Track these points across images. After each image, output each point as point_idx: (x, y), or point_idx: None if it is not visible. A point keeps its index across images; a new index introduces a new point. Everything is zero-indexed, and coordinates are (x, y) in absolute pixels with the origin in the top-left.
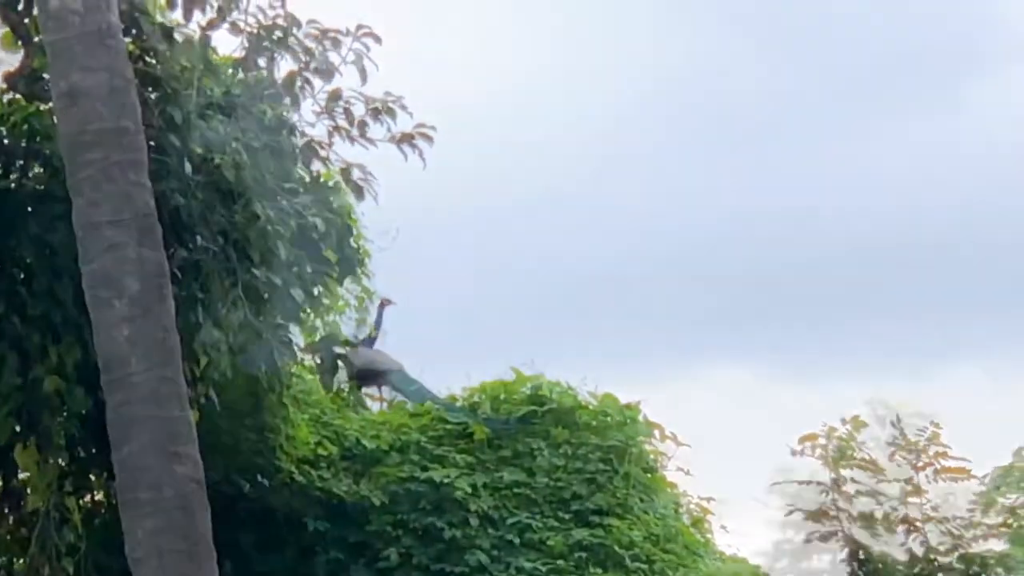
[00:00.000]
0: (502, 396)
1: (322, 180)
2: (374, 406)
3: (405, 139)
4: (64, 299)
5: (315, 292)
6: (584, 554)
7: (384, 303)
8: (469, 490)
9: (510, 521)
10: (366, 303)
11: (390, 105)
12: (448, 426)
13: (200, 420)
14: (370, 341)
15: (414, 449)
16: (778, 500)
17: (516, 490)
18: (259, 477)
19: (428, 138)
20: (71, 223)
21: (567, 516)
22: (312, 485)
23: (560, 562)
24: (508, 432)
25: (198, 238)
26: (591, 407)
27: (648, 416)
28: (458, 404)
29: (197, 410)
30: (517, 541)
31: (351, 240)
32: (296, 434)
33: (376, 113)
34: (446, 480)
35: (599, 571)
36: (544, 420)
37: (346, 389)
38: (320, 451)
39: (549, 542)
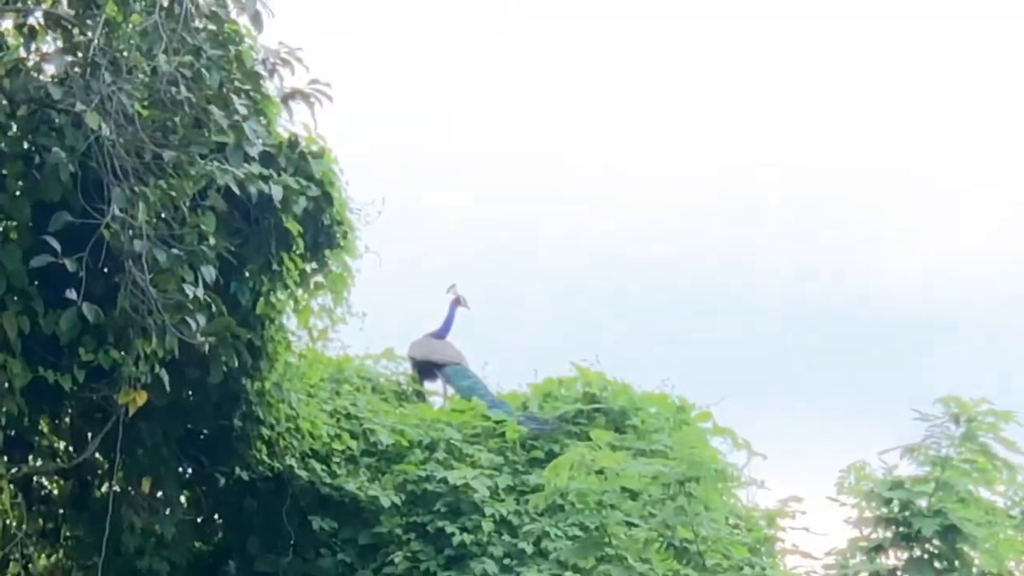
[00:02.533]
0: (554, 394)
1: (302, 145)
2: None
3: (297, 95)
4: (10, 266)
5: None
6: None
7: (458, 300)
8: (487, 493)
9: (526, 528)
10: (348, 282)
11: (283, 56)
12: (486, 424)
13: (149, 400)
14: (440, 333)
15: (443, 447)
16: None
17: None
18: (247, 470)
19: (324, 95)
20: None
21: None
22: (320, 481)
23: (569, 574)
24: (546, 432)
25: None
26: (644, 409)
27: (718, 423)
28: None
29: (143, 389)
30: (531, 550)
31: (331, 212)
32: (303, 425)
33: (269, 66)
34: (461, 481)
35: None
36: (593, 420)
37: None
38: (336, 445)
39: (560, 556)
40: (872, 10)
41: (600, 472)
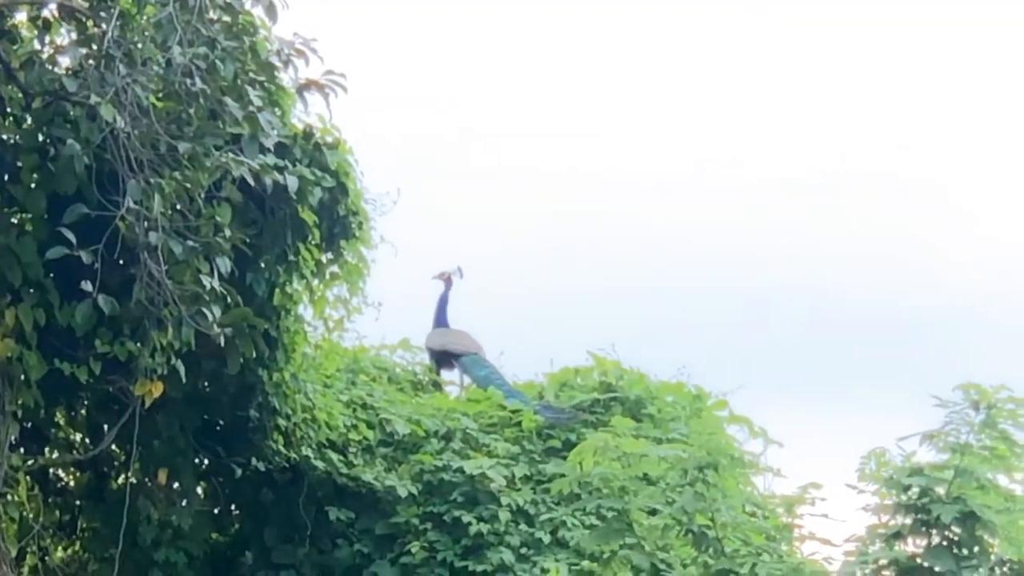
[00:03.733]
0: (571, 383)
1: (316, 136)
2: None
3: (312, 86)
4: (25, 258)
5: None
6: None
7: (446, 278)
8: (503, 483)
9: (544, 517)
10: (364, 272)
11: (298, 48)
12: (502, 413)
13: (165, 392)
14: (440, 321)
15: (460, 436)
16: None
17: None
18: (263, 461)
19: (339, 85)
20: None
21: (610, 514)
22: (336, 472)
23: (586, 563)
24: (563, 421)
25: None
26: (660, 398)
27: (735, 411)
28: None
29: (159, 381)
30: (548, 539)
31: (346, 203)
32: (320, 416)
33: (283, 57)
34: (477, 471)
35: (629, 573)
36: (610, 410)
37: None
38: (353, 436)
39: (581, 542)
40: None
41: (621, 458)
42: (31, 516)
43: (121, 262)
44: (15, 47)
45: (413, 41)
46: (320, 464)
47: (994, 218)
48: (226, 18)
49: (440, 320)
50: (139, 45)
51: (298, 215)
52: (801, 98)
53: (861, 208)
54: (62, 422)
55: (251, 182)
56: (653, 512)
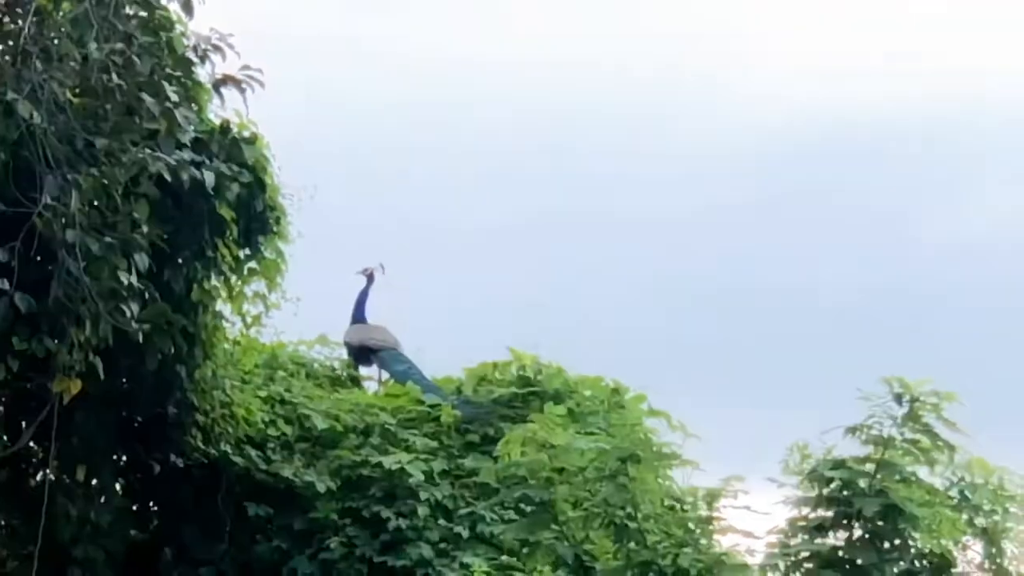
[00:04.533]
0: (489, 377)
1: (233, 131)
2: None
3: (228, 81)
4: None
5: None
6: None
7: (369, 273)
8: (422, 477)
9: (462, 512)
10: (282, 268)
11: (215, 43)
12: (421, 408)
13: (83, 389)
14: (358, 316)
15: (378, 432)
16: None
17: (476, 479)
18: (182, 457)
19: (256, 80)
20: None
21: (529, 508)
22: (255, 468)
23: (505, 557)
24: (481, 416)
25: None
26: (579, 392)
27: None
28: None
29: (78, 377)
30: (467, 534)
31: (264, 198)
32: (238, 412)
33: (200, 52)
34: (396, 466)
35: (548, 569)
36: (528, 404)
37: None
38: (271, 431)
39: (501, 536)
40: None
41: (548, 448)
42: None
43: (38, 259)
44: None
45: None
46: (239, 460)
47: None
48: (143, 13)
49: (359, 315)
50: (56, 41)
51: (216, 211)
52: None
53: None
54: None
55: (168, 178)
56: (576, 504)
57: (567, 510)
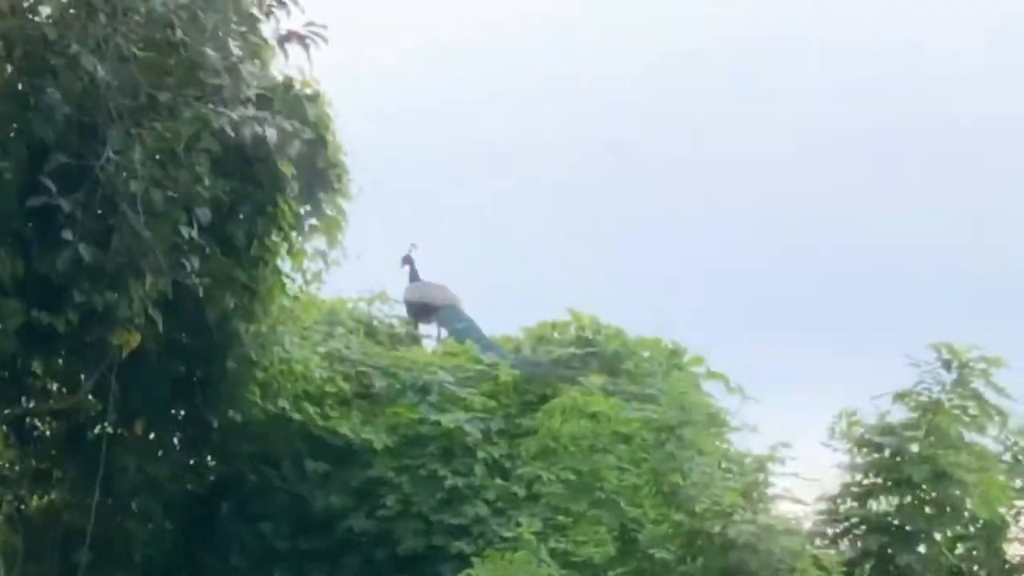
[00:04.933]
0: (547, 337)
1: (296, 88)
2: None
3: (292, 37)
4: (5, 207)
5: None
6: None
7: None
8: (479, 436)
9: (519, 471)
10: (342, 225)
11: None
12: (479, 367)
13: (142, 342)
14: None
15: (436, 390)
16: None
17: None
18: (241, 412)
19: (320, 37)
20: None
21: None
22: (313, 424)
23: (561, 518)
24: (539, 375)
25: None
26: (637, 353)
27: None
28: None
29: (137, 331)
30: (523, 493)
31: (325, 155)
32: (296, 368)
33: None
34: (453, 424)
35: (601, 530)
36: (587, 364)
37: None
38: (329, 388)
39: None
40: None
41: (593, 416)
42: (6, 465)
43: (100, 212)
44: None
45: None
46: (297, 416)
47: None
48: None
49: (415, 276)
50: None
51: (277, 167)
52: None
53: None
54: (39, 371)
55: (231, 133)
56: (624, 470)
57: (612, 477)
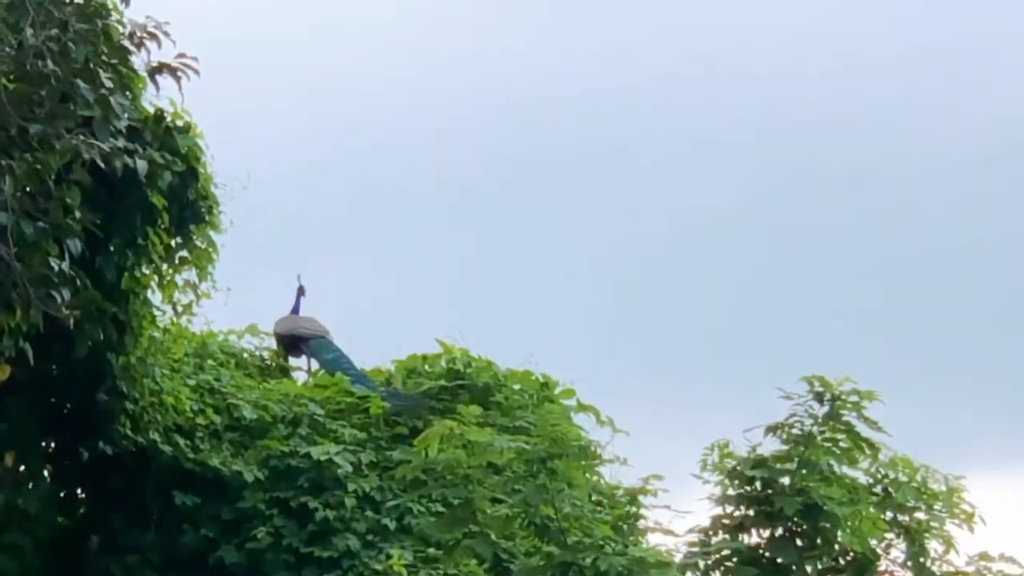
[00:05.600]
0: (418, 369)
1: (167, 120)
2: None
3: (164, 69)
4: None
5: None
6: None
7: (301, 289)
8: (350, 469)
9: (390, 504)
10: (213, 257)
11: (151, 31)
12: (350, 399)
13: (13, 374)
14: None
15: (307, 422)
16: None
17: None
18: (111, 445)
19: (191, 69)
20: None
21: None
22: (184, 456)
23: (431, 550)
24: (410, 408)
25: None
26: (508, 385)
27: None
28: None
29: (7, 363)
30: (394, 526)
31: (196, 187)
32: (167, 400)
33: (136, 40)
34: (324, 456)
35: (472, 562)
36: (457, 397)
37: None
38: (200, 420)
39: (425, 529)
40: None
41: (466, 446)
42: None
43: None
44: None
45: None
46: (167, 448)
47: None
48: (79, 0)
49: (296, 309)
50: None
51: (148, 199)
52: None
53: None
54: None
55: (102, 165)
56: (498, 501)
57: (486, 508)
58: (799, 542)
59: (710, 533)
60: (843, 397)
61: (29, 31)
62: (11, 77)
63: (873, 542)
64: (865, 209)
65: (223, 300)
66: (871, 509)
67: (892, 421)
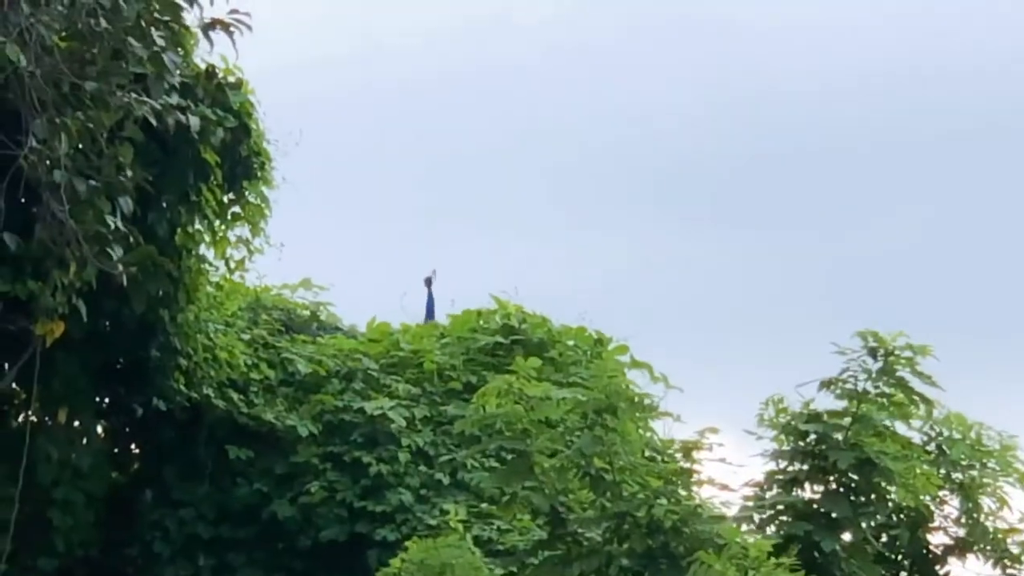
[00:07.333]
0: (473, 325)
1: (219, 76)
2: None
3: (217, 25)
4: None
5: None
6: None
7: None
8: (403, 423)
9: (443, 459)
10: (266, 213)
11: None
12: (402, 354)
13: (66, 331)
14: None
15: (361, 377)
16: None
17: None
18: (164, 400)
19: (244, 24)
20: None
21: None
22: (237, 411)
23: (485, 505)
24: (465, 363)
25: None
26: (562, 341)
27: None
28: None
29: (61, 320)
30: (447, 480)
31: (248, 143)
32: (220, 355)
33: None
34: (378, 411)
35: (528, 517)
36: (512, 352)
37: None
38: (254, 375)
39: (481, 483)
40: None
41: (520, 401)
42: None
43: (23, 201)
44: None
45: None
46: (220, 403)
47: None
48: None
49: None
50: None
51: (200, 155)
52: None
53: None
54: None
55: (154, 122)
56: (554, 454)
57: (543, 461)
58: (852, 497)
59: (764, 488)
60: (897, 352)
61: None
62: (64, 35)
63: (926, 498)
64: None
65: (276, 256)
66: (924, 465)
67: (947, 378)
